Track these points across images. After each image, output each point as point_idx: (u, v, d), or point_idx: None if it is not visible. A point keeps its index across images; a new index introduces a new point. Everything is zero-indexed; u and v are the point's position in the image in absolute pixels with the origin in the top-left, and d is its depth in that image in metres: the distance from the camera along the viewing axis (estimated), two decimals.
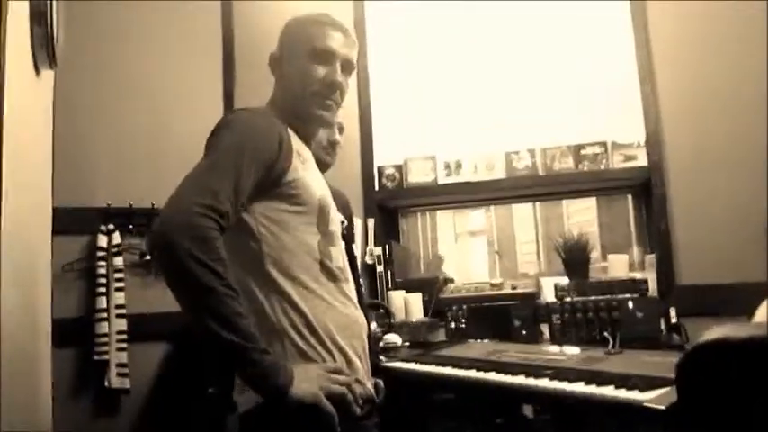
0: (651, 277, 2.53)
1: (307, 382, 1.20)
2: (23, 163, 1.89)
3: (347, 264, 1.47)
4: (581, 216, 3.23)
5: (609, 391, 1.41)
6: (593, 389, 1.45)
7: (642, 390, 1.35)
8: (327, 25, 1.47)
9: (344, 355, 1.33)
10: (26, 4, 1.81)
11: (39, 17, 1.83)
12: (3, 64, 1.50)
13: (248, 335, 1.14)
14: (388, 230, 3.09)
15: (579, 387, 1.49)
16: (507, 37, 3.05)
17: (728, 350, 1.07)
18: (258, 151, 1.28)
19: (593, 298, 2.32)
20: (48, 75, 2.22)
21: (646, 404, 1.27)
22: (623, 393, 1.37)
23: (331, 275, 1.37)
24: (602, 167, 2.82)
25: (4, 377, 1.49)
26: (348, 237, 2.28)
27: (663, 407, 1.22)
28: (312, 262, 1.34)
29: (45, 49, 1.94)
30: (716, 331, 1.18)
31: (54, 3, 1.94)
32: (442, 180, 3.00)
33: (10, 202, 1.59)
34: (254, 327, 1.17)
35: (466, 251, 3.47)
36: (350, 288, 1.43)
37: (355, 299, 1.45)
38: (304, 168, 1.38)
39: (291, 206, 1.33)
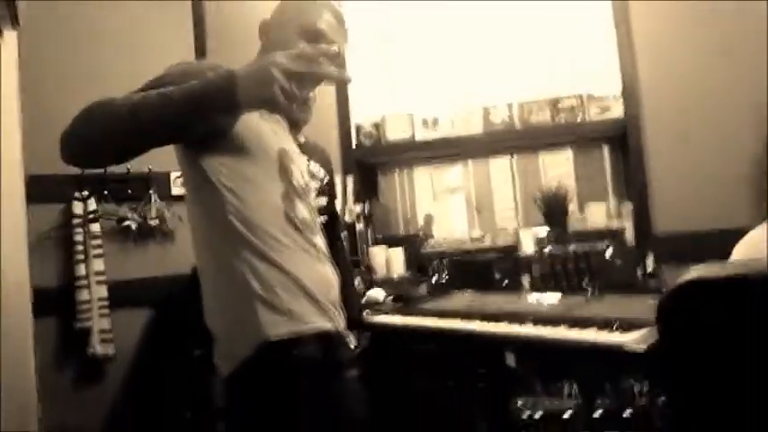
0: (628, 226, 2.56)
1: (254, 83, 1.14)
2: None
3: (315, 217, 1.46)
4: (558, 168, 3.24)
5: (590, 334, 1.44)
6: (575, 333, 1.48)
7: (623, 331, 1.38)
8: (324, 8, 1.47)
9: (317, 304, 1.34)
10: None
11: None
12: None
13: (186, 90, 1.15)
14: (366, 188, 3.08)
15: (561, 332, 1.52)
16: None
17: (708, 288, 1.09)
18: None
19: (572, 248, 2.35)
20: (11, 36, 2.15)
21: (626, 347, 1.30)
22: (604, 336, 1.40)
23: (297, 228, 1.36)
24: (579, 120, 2.82)
25: None
26: (330, 192, 2.27)
27: (643, 348, 1.25)
28: (275, 213, 1.34)
29: (7, 9, 1.87)
30: (695, 271, 1.20)
31: None
32: (420, 136, 2.99)
33: None
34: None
35: (445, 208, 3.48)
36: (317, 240, 1.42)
37: (324, 251, 1.44)
38: (261, 120, 1.37)
39: (246, 159, 1.32)
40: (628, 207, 2.72)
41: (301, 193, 1.41)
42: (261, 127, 1.37)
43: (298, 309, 1.30)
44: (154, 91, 1.16)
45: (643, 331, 1.34)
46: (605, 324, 1.45)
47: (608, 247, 2.27)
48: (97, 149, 1.17)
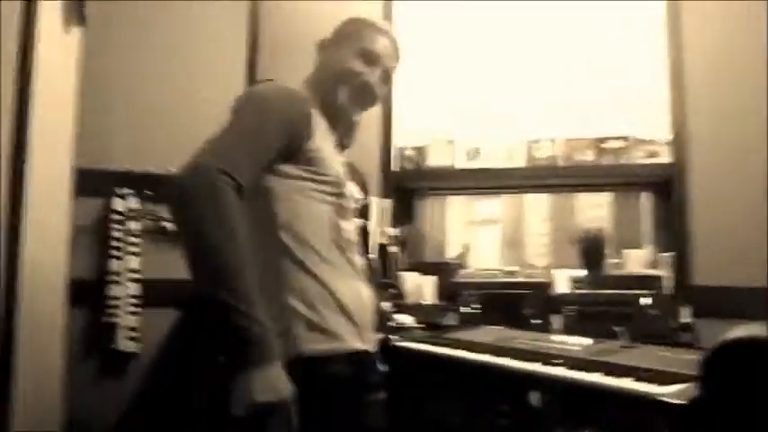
0: (666, 275, 2.52)
1: (268, 384, 1.15)
2: (50, 121, 1.89)
3: (357, 239, 1.48)
4: (593, 211, 3.21)
5: (626, 383, 1.40)
6: (610, 380, 1.44)
7: (660, 384, 1.34)
8: (381, 32, 1.55)
9: (353, 322, 1.34)
10: None
11: None
12: (35, 19, 1.49)
13: (243, 297, 1.13)
14: (403, 212, 3.08)
15: (596, 377, 1.48)
16: (535, 25, 3.01)
17: (757, 349, 1.06)
18: (281, 120, 1.30)
19: (606, 291, 2.31)
20: (76, 32, 2.21)
21: (665, 399, 1.26)
22: (641, 386, 1.36)
23: (341, 247, 1.38)
24: (624, 162, 2.79)
25: (22, 332, 1.49)
26: (364, 214, 2.28)
27: (684, 402, 1.21)
28: (324, 231, 1.35)
29: (76, 6, 1.93)
30: (742, 330, 1.17)
31: None
32: (461, 165, 2.98)
33: (36, 160, 1.59)
34: (255, 291, 1.15)
35: (477, 239, 3.46)
36: (359, 262, 1.44)
37: (364, 271, 1.46)
38: (325, 143, 1.39)
39: (309, 175, 1.35)
40: (666, 256, 2.67)
41: (348, 214, 1.42)
42: (326, 147, 1.39)
43: (335, 326, 1.30)
44: (239, 264, 1.14)
45: (682, 386, 1.30)
46: (642, 373, 1.42)
47: (645, 295, 2.22)
48: (181, 236, 1.17)
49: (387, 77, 1.57)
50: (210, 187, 1.13)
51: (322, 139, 1.39)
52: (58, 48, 1.95)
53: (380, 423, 1.43)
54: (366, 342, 1.38)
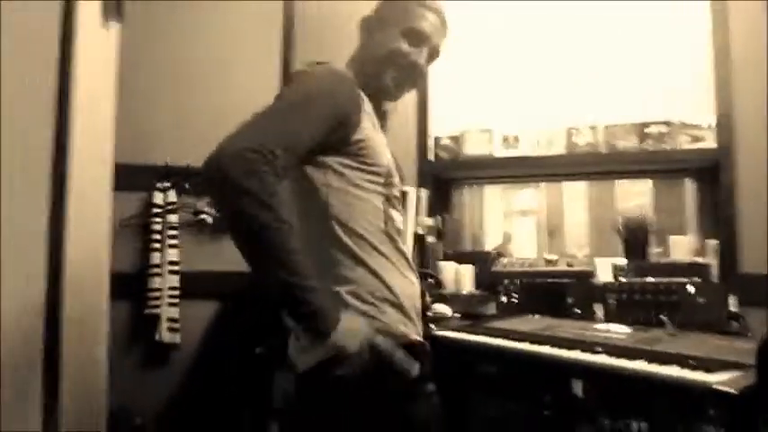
0: (713, 263, 2.44)
1: (348, 333, 1.18)
2: (90, 116, 1.91)
3: (405, 229, 1.46)
4: (635, 200, 3.13)
5: (673, 370, 1.35)
6: (655, 367, 1.39)
7: (709, 371, 1.29)
8: (428, 8, 1.48)
9: (404, 313, 1.32)
10: None
11: None
12: (73, 15, 1.50)
13: (300, 273, 1.12)
14: (440, 202, 3.05)
15: (640, 365, 1.44)
16: (574, 8, 2.94)
17: None
18: (330, 105, 1.27)
19: (651, 280, 2.24)
20: (114, 27, 2.24)
21: (716, 387, 1.21)
22: (689, 374, 1.32)
23: (391, 237, 1.36)
24: (668, 147, 2.71)
25: (67, 325, 1.51)
26: (402, 204, 2.26)
27: (736, 390, 1.17)
28: (375, 221, 1.33)
29: (114, 2, 1.95)
30: None
31: None
32: (499, 153, 2.94)
33: (77, 155, 1.61)
34: (306, 264, 1.14)
35: (516, 227, 3.41)
36: (408, 252, 1.42)
37: (412, 263, 1.44)
38: (374, 131, 1.37)
39: (360, 165, 1.32)
40: (712, 243, 2.59)
41: (397, 203, 1.40)
42: (374, 135, 1.36)
43: (387, 318, 1.28)
44: (287, 238, 1.13)
45: (734, 374, 1.25)
46: (690, 361, 1.36)
47: (691, 283, 2.15)
48: (221, 214, 1.16)
49: (434, 55, 1.52)
50: (243, 166, 1.11)
51: (370, 126, 1.36)
52: (97, 43, 1.98)
53: (436, 415, 1.40)
54: (417, 331, 1.36)
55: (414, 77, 1.49)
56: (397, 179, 1.42)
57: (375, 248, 1.31)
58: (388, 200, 1.38)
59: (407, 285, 1.36)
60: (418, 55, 1.46)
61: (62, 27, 1.48)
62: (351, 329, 1.19)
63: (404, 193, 2.26)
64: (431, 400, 1.37)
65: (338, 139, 1.29)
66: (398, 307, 1.30)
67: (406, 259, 1.40)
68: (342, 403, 1.22)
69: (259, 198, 1.10)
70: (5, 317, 1.19)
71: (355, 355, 1.18)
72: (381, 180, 1.36)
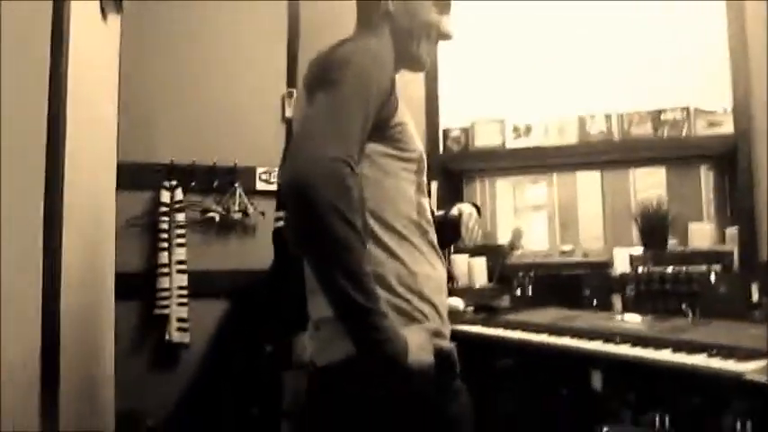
0: (733, 251, 2.37)
1: (421, 349, 1.13)
2: (89, 114, 1.87)
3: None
4: (650, 189, 3.07)
5: (700, 359, 1.29)
6: (682, 357, 1.33)
7: (738, 360, 1.23)
8: None
9: (437, 311, 1.26)
10: None
11: None
12: (68, 8, 1.46)
13: (375, 298, 1.07)
14: (451, 194, 2.99)
15: (665, 355, 1.38)
16: None
17: None
18: (379, 89, 1.18)
19: (670, 269, 2.18)
20: (114, 21, 2.20)
21: (747, 376, 1.15)
22: (717, 363, 1.25)
23: (421, 227, 1.30)
24: (684, 134, 2.65)
25: (64, 329, 1.47)
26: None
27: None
28: (409, 212, 1.27)
29: None
30: None
31: None
32: (511, 144, 2.88)
33: (74, 153, 1.57)
34: (375, 287, 1.09)
35: (529, 219, 3.35)
36: (436, 241, 1.36)
37: (440, 253, 1.38)
38: (406, 115, 1.31)
39: (396, 151, 1.25)
40: (732, 231, 2.52)
41: (425, 192, 1.35)
42: (408, 119, 1.30)
43: (420, 313, 1.22)
44: (366, 261, 1.08)
45: (763, 362, 1.19)
46: (717, 350, 1.30)
47: (713, 270, 2.09)
48: (302, 231, 1.09)
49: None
50: (335, 182, 1.04)
51: (403, 109, 1.29)
52: (96, 38, 1.93)
53: (468, 413, 1.35)
54: (447, 327, 1.31)
55: (436, 48, 1.45)
56: (425, 165, 1.37)
57: (408, 240, 1.25)
58: (419, 188, 1.31)
59: (436, 275, 1.30)
60: (447, 24, 1.41)
61: (54, 22, 1.42)
62: (420, 345, 1.14)
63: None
64: (463, 398, 1.32)
65: (380, 122, 1.22)
66: (428, 299, 1.25)
67: (436, 250, 1.35)
68: (372, 400, 1.16)
69: (346, 217, 1.04)
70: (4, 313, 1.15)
71: (430, 367, 1.13)
72: (414, 167, 1.29)
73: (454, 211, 1.74)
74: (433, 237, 1.33)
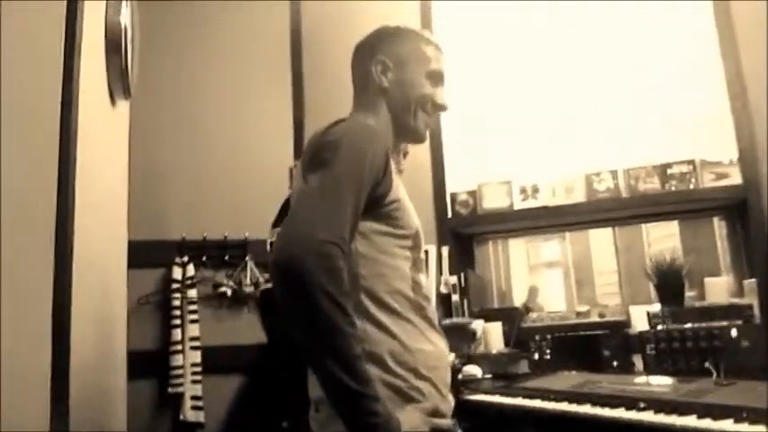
0: (753, 303, 2.32)
1: (415, 429, 1.12)
2: (100, 196, 1.90)
3: (432, 291, 1.39)
4: (663, 243, 3.04)
5: (728, 425, 1.25)
6: (708, 423, 1.29)
7: None
8: (437, 48, 1.48)
9: (436, 387, 1.24)
10: (102, 36, 1.84)
11: (114, 48, 1.85)
12: (76, 95, 1.50)
13: (366, 381, 1.06)
14: (462, 258, 2.97)
15: (691, 421, 1.33)
16: (584, 52, 2.93)
17: None
18: (372, 168, 1.19)
19: (690, 326, 2.13)
20: (123, 105, 2.25)
21: None
22: (746, 428, 1.21)
23: (419, 304, 1.29)
24: (692, 187, 2.64)
25: (74, 410, 1.45)
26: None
27: None
28: (404, 289, 1.26)
29: (120, 80, 1.96)
30: None
31: (129, 34, 1.97)
32: (519, 205, 2.88)
33: (85, 234, 1.58)
34: (368, 370, 1.09)
35: (542, 280, 3.31)
36: (435, 316, 1.35)
37: (440, 328, 1.36)
38: (401, 190, 1.31)
39: (391, 228, 1.26)
40: (751, 283, 2.48)
41: (422, 267, 1.34)
42: (403, 195, 1.31)
43: (413, 390, 1.20)
44: (356, 344, 1.08)
45: None
46: (744, 414, 1.26)
47: (733, 325, 2.04)
48: (290, 311, 1.08)
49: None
50: (325, 264, 1.05)
51: (397, 185, 1.30)
52: (106, 123, 1.98)
53: None
54: (448, 403, 1.28)
55: (436, 117, 1.49)
56: (422, 240, 1.36)
57: (402, 317, 1.23)
58: (415, 264, 1.31)
59: (437, 351, 1.28)
60: (442, 96, 1.44)
61: (63, 107, 1.46)
62: (414, 426, 1.13)
63: (425, 252, 2.20)
64: None
65: (375, 200, 1.22)
66: (428, 379, 1.22)
67: (434, 326, 1.33)
68: None
69: (335, 299, 1.04)
70: (9, 398, 1.13)
71: None
72: (410, 243, 1.30)
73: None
74: (432, 312, 1.32)
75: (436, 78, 1.44)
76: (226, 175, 2.96)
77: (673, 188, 2.67)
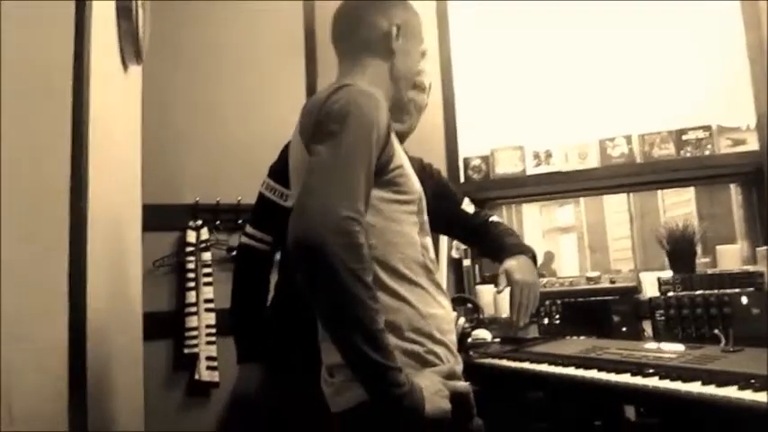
0: (766, 272, 2.31)
1: (437, 396, 1.13)
2: (113, 160, 1.91)
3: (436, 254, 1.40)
4: (679, 209, 3.02)
5: (732, 392, 1.26)
6: (712, 389, 1.30)
7: None
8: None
9: (450, 350, 1.26)
10: (112, 2, 1.84)
11: (125, 13, 1.85)
12: (88, 60, 1.50)
13: (389, 353, 1.08)
14: None
15: (695, 387, 1.34)
16: (600, 14, 2.87)
17: None
18: (379, 136, 1.19)
19: (700, 292, 2.13)
20: (135, 70, 2.25)
21: None
22: (749, 395, 1.22)
23: (427, 268, 1.30)
24: (708, 153, 2.61)
25: (92, 372, 1.49)
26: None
27: None
28: (413, 254, 1.27)
29: (132, 45, 1.96)
30: None
31: None
32: (531, 170, 2.87)
33: (100, 198, 1.60)
34: (390, 343, 1.10)
35: (555, 246, 3.31)
36: (442, 280, 1.36)
37: (446, 291, 1.38)
38: (403, 157, 1.31)
39: (396, 195, 1.26)
40: (763, 250, 2.46)
41: (428, 230, 1.35)
42: (405, 161, 1.31)
43: (431, 354, 1.21)
44: (379, 317, 1.09)
45: None
46: (749, 381, 1.26)
47: (744, 293, 2.04)
48: (311, 286, 1.08)
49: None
50: (346, 241, 1.05)
51: (399, 151, 1.30)
52: (118, 88, 1.98)
53: None
54: (460, 365, 1.30)
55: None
56: (425, 204, 1.37)
57: (416, 283, 1.25)
58: (422, 228, 1.32)
59: (446, 316, 1.30)
60: (426, 76, 1.45)
61: (76, 73, 1.46)
62: (436, 391, 1.14)
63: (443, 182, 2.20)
64: None
65: (381, 167, 1.22)
66: (438, 340, 1.24)
67: (441, 289, 1.35)
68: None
69: (359, 276, 1.05)
70: (26, 363, 1.17)
71: (447, 413, 1.14)
72: (415, 208, 1.30)
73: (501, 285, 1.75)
74: (438, 275, 1.33)
75: (424, 58, 1.44)
76: (239, 140, 2.96)
77: (688, 154, 2.64)
